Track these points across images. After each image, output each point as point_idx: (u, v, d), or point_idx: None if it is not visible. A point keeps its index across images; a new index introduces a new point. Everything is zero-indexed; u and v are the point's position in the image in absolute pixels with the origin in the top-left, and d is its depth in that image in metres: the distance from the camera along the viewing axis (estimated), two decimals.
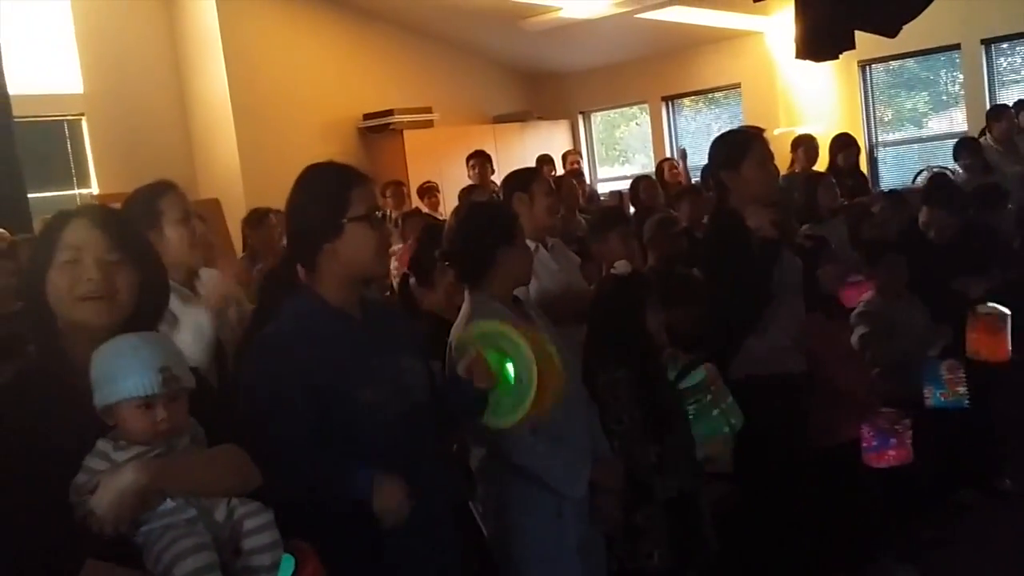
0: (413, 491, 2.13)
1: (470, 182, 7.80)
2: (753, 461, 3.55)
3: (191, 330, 2.85)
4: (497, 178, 7.51)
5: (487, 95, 12.18)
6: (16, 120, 8.31)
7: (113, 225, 1.78)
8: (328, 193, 2.23)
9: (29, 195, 8.38)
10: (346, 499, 2.08)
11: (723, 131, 3.89)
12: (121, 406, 1.66)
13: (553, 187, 3.86)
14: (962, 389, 4.17)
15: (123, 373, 1.65)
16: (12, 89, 8.26)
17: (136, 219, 2.95)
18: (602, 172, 12.99)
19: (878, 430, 3.78)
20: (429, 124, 11.00)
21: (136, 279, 1.77)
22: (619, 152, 13.37)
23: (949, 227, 4.91)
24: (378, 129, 10.86)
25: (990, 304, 4.40)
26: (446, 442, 2.27)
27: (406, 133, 10.71)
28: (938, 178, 5.84)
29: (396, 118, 10.72)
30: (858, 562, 4.00)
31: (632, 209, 7.05)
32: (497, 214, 2.93)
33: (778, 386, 3.56)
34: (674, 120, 12.08)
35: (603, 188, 11.22)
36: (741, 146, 3.58)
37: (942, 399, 4.19)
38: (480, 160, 8.07)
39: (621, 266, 3.28)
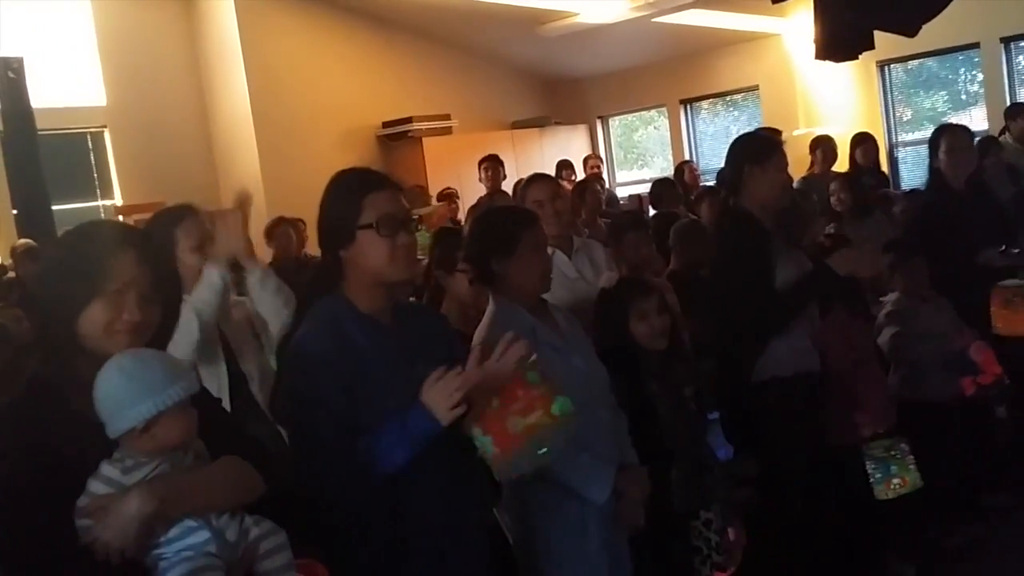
0: (442, 499, 2.14)
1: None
2: (774, 461, 3.55)
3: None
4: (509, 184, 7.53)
5: (505, 101, 12.21)
6: (40, 133, 8.41)
7: (159, 263, 1.81)
8: (342, 200, 2.24)
9: (53, 207, 8.47)
10: (403, 455, 2.07)
11: (743, 132, 3.90)
12: (170, 412, 1.66)
13: (557, 193, 3.82)
14: (998, 369, 4.10)
15: (157, 385, 1.65)
16: (36, 103, 8.36)
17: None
18: (621, 176, 12.98)
19: (876, 460, 3.73)
20: (448, 131, 11.04)
21: (160, 312, 1.81)
22: (637, 155, 13.36)
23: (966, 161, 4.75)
24: (397, 137, 10.91)
25: (1012, 280, 4.31)
26: (473, 450, 2.26)
27: (425, 140, 10.75)
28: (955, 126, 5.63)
29: (415, 126, 10.76)
30: (874, 565, 3.97)
31: (653, 212, 7.04)
32: (498, 224, 2.85)
33: (800, 386, 3.57)
34: (692, 123, 12.06)
35: (622, 192, 11.21)
36: (770, 145, 3.64)
37: (982, 384, 4.10)
38: (492, 164, 8.02)
39: (606, 279, 3.27)
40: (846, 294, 3.93)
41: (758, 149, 3.69)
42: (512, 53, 11.85)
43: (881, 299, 4.50)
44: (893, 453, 3.74)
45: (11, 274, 7.09)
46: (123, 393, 1.65)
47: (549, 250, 3.02)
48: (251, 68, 10.12)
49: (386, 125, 10.97)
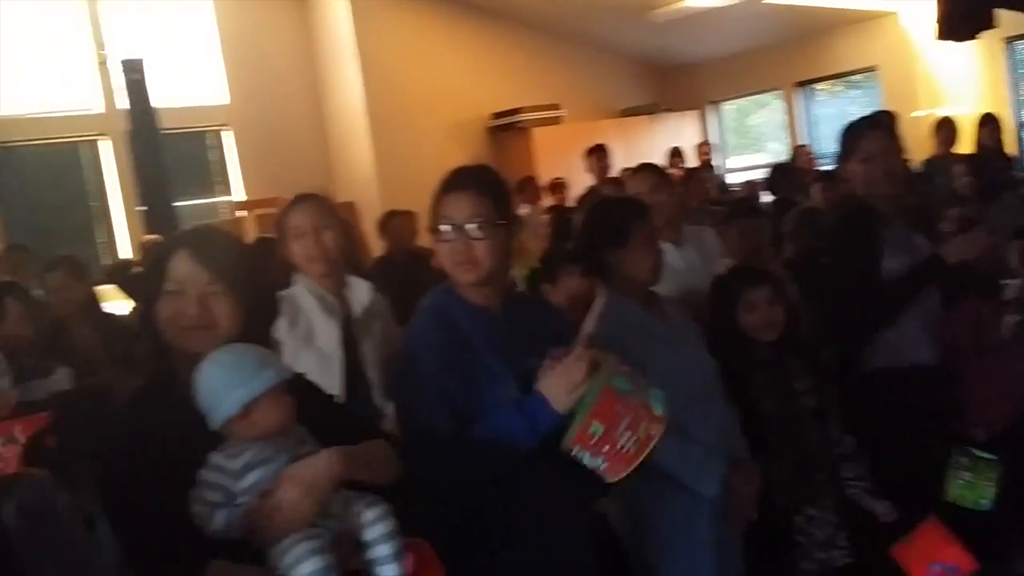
0: (548, 491, 2.14)
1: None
2: (885, 455, 3.42)
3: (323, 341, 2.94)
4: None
5: (614, 89, 12.12)
6: (165, 132, 8.74)
7: (214, 257, 1.85)
8: (433, 200, 2.28)
9: (176, 203, 8.80)
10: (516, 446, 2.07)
11: (854, 118, 3.75)
12: (259, 403, 1.72)
13: (660, 185, 3.75)
14: None
15: (249, 372, 1.72)
16: (161, 103, 8.69)
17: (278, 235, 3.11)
18: (734, 162, 12.75)
19: (966, 458, 3.47)
20: (557, 120, 11.03)
21: (238, 306, 1.84)
22: (751, 141, 13.10)
23: None
24: (506, 128, 10.96)
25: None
26: None
27: (534, 130, 10.77)
28: None
29: (524, 116, 10.79)
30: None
31: (771, 199, 6.90)
32: (611, 215, 2.83)
33: (912, 378, 3.43)
34: (809, 106, 11.75)
35: (736, 179, 11.02)
36: (853, 138, 3.50)
37: None
38: (598, 154, 7.95)
39: (721, 266, 3.18)
40: (977, 282, 3.75)
41: (843, 144, 3.54)
42: (621, 40, 11.75)
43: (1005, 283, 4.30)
44: (984, 459, 3.47)
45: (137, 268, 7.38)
46: (219, 383, 1.73)
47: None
48: (366, 64, 10.31)
49: (495, 116, 11.03)
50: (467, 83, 10.90)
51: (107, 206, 9.77)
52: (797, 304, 3.50)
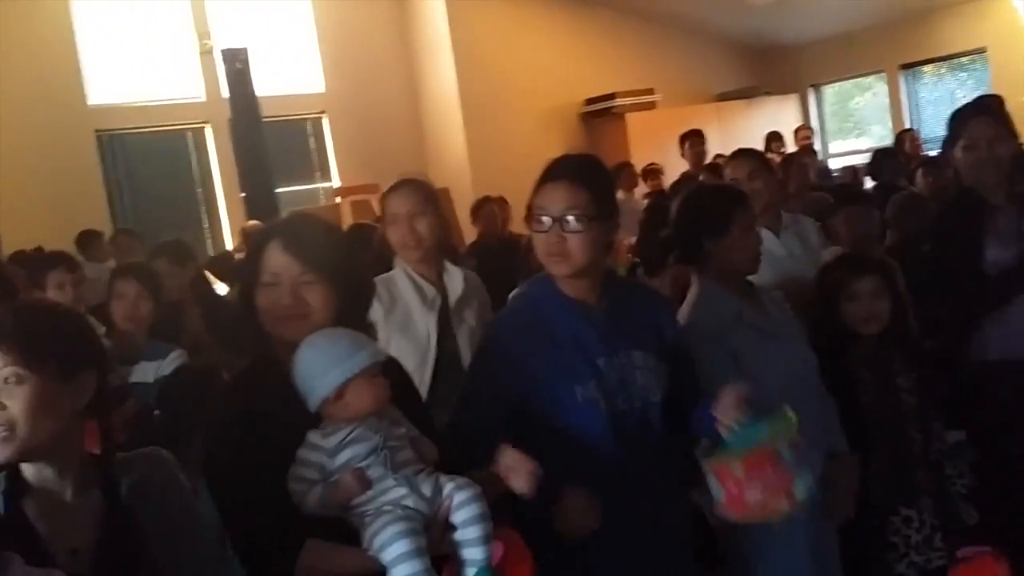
0: (640, 484, 2.13)
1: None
2: (990, 450, 3.29)
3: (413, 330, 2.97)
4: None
5: (710, 72, 11.94)
6: (264, 120, 8.93)
7: (306, 247, 1.89)
8: (533, 188, 2.26)
9: (277, 189, 9.00)
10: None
11: (962, 102, 3.61)
12: (352, 384, 1.76)
13: (757, 171, 3.66)
14: None
15: (342, 355, 1.77)
16: (260, 91, 8.89)
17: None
18: (835, 147, 12.43)
19: None
20: (651, 106, 10.92)
21: (332, 293, 1.88)
22: (854, 124, 12.75)
23: None
24: (600, 113, 10.90)
25: None
26: (680, 441, 2.20)
27: (628, 116, 10.69)
28: None
29: (618, 101, 10.72)
30: None
31: (872, 184, 6.71)
32: (710, 202, 2.77)
33: (1014, 372, 3.28)
34: (914, 89, 11.37)
35: (838, 164, 10.74)
36: (958, 123, 3.36)
37: None
38: (693, 140, 7.82)
39: (829, 253, 3.08)
40: None
41: (948, 131, 3.41)
42: (718, 22, 11.55)
43: None
44: None
45: (239, 255, 7.57)
46: (314, 366, 1.78)
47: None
48: (459, 51, 10.38)
49: (589, 102, 10.97)
50: (560, 69, 10.87)
51: (212, 192, 10.05)
52: (905, 295, 3.39)
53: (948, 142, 3.42)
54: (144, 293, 3.79)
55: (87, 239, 7.61)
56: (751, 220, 2.74)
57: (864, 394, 2.90)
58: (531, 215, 2.21)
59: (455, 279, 3.13)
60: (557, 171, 2.21)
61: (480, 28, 10.48)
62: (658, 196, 7.00)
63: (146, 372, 3.55)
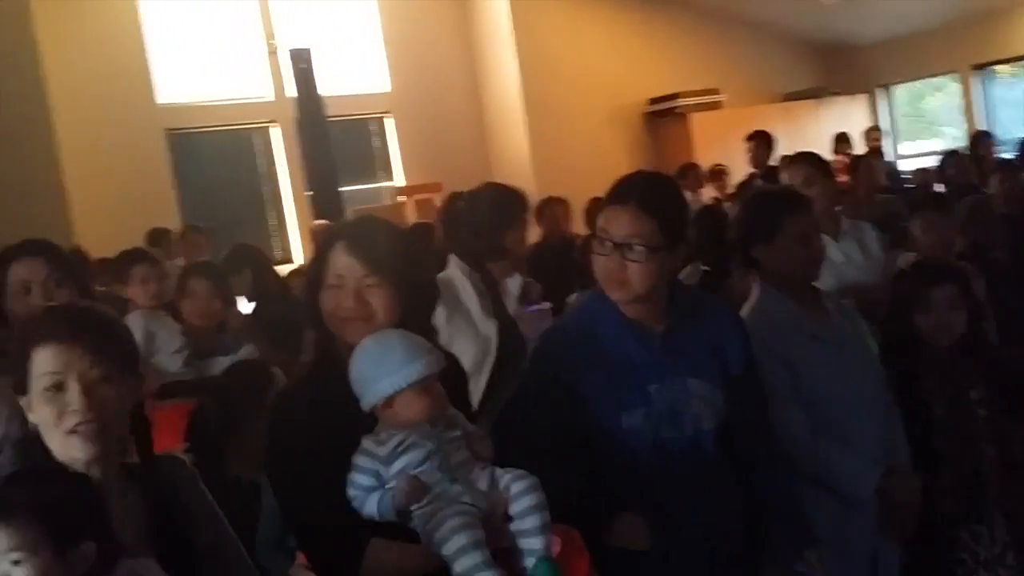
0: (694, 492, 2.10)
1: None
2: None
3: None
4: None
5: (777, 72, 11.77)
6: (330, 119, 9.03)
7: (370, 249, 1.88)
8: (601, 204, 2.23)
9: (341, 188, 9.09)
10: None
11: None
12: (401, 395, 1.76)
13: (815, 177, 3.59)
14: None
15: (393, 366, 1.76)
16: (326, 91, 8.99)
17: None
18: (907, 148, 12.16)
19: None
20: (716, 106, 10.80)
21: (395, 296, 1.87)
22: (925, 126, 12.47)
23: None
24: (664, 113, 10.82)
25: None
26: (735, 469, 2.18)
27: (692, 116, 10.59)
28: None
29: (682, 101, 10.64)
30: None
31: (942, 188, 6.55)
32: (761, 209, 2.72)
33: None
34: (988, 89, 11.08)
35: (909, 165, 10.51)
36: None
37: None
38: (758, 141, 7.69)
39: (903, 260, 2.99)
40: None
41: None
42: (786, 21, 11.38)
43: None
44: None
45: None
46: (366, 373, 1.78)
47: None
48: (522, 52, 10.38)
49: (653, 102, 10.90)
50: (624, 69, 10.80)
51: (278, 190, 10.20)
52: (981, 304, 3.27)
53: None
54: (215, 291, 3.86)
55: (157, 236, 7.76)
56: (805, 226, 2.65)
57: (934, 406, 2.82)
58: (594, 234, 2.15)
59: (511, 283, 3.14)
60: (623, 193, 2.13)
61: (544, 27, 10.47)
62: (715, 203, 6.95)
63: (221, 367, 3.61)
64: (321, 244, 1.97)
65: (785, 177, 3.63)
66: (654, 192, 2.14)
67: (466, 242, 3.12)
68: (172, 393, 3.52)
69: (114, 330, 1.66)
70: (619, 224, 2.08)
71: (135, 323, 3.86)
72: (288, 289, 5.10)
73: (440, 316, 2.82)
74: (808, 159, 3.76)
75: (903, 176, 9.39)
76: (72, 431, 1.56)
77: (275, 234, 10.15)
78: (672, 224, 2.11)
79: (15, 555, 1.43)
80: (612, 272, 2.09)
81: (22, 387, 1.60)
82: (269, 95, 9.94)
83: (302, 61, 8.86)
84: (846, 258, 3.51)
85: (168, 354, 3.84)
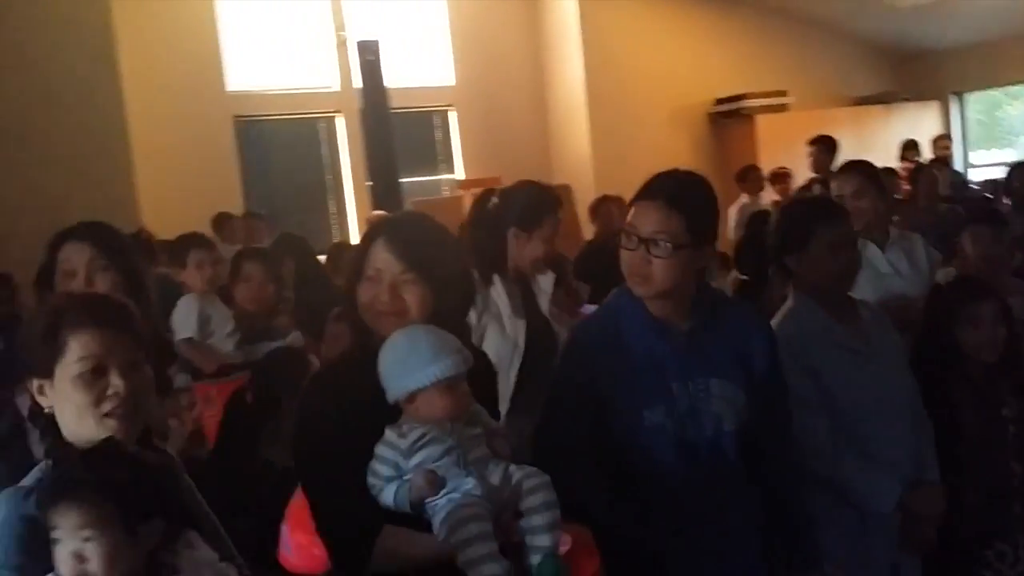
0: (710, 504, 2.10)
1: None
2: None
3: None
4: None
5: (846, 75, 11.54)
6: (393, 111, 9.12)
7: (408, 245, 1.92)
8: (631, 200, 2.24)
9: (402, 179, 9.18)
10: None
11: None
12: (423, 393, 1.80)
13: (864, 188, 3.52)
14: None
15: (418, 363, 1.79)
16: (392, 83, 9.08)
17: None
18: (980, 157, 11.85)
19: None
20: (783, 108, 10.66)
21: (430, 293, 1.91)
22: (1002, 135, 12.16)
23: None
24: (729, 114, 10.71)
25: None
26: (762, 471, 2.18)
27: (757, 118, 10.47)
28: None
29: (748, 102, 10.51)
30: None
31: (1008, 201, 6.39)
32: (794, 218, 2.71)
33: None
34: None
35: (981, 175, 10.26)
36: None
37: None
38: (820, 146, 7.50)
39: (943, 275, 2.94)
40: None
41: None
42: (855, 23, 11.17)
43: None
44: None
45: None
46: (392, 368, 1.83)
47: (860, 242, 2.82)
48: (588, 49, 10.35)
49: (718, 102, 10.80)
50: (689, 68, 10.71)
51: (340, 179, 10.32)
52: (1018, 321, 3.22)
53: None
54: (268, 276, 3.95)
55: (221, 221, 7.95)
56: (840, 237, 2.63)
57: (965, 421, 2.78)
58: (622, 229, 2.15)
59: (545, 281, 3.16)
60: (652, 190, 2.14)
61: (610, 24, 10.42)
62: (766, 208, 6.87)
63: (260, 352, 3.70)
64: (364, 237, 2.02)
65: (836, 186, 3.57)
66: (684, 190, 2.14)
67: (480, 241, 3.12)
68: (227, 373, 3.63)
69: (136, 319, 1.71)
70: (646, 219, 2.10)
71: (190, 305, 3.98)
72: (328, 279, 5.19)
73: (471, 314, 2.86)
74: (859, 168, 3.69)
75: (971, 186, 9.19)
76: (109, 414, 1.61)
77: (334, 222, 10.28)
78: (700, 223, 2.12)
79: (86, 532, 1.47)
80: (636, 267, 2.11)
81: (45, 371, 1.64)
82: (336, 85, 10.07)
83: (369, 53, 8.95)
84: (892, 269, 3.46)
85: (221, 337, 3.94)
